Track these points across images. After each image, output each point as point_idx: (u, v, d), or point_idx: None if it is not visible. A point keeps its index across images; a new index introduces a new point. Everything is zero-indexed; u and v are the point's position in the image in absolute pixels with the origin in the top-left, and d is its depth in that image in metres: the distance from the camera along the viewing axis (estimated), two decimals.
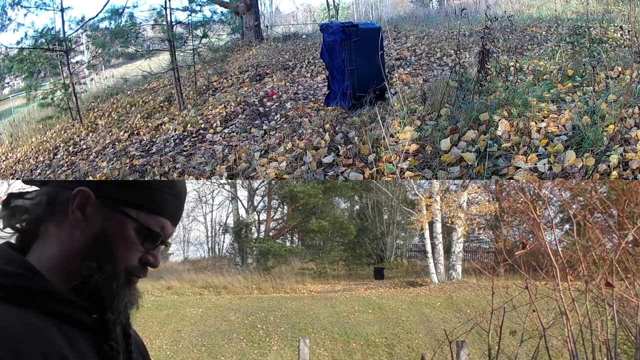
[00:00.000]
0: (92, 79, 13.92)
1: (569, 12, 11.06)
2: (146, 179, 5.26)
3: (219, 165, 5.15)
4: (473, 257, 17.70)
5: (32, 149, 9.08)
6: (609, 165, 3.40)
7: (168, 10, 8.74)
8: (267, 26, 16.60)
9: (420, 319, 10.77)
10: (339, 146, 4.61)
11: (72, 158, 7.49)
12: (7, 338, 0.75)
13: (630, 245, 3.37)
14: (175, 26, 9.01)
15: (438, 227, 14.65)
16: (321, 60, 7.26)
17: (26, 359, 0.75)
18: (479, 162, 3.76)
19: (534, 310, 3.31)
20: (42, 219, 0.91)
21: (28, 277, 0.84)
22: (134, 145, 7.07)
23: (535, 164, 3.58)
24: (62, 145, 8.50)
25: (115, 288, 0.90)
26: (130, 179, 5.48)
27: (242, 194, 20.01)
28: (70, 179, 6.25)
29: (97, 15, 9.59)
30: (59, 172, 6.97)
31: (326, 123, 5.35)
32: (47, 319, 0.81)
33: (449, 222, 14.83)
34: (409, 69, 7.56)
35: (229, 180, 18.31)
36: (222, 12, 13.52)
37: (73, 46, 10.12)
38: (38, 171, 7.53)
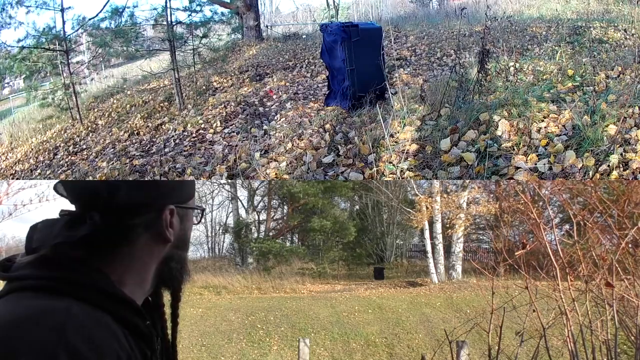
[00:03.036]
0: (92, 79, 13.93)
1: (569, 12, 11.06)
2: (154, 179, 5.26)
3: (219, 165, 5.15)
4: (473, 257, 17.65)
5: (32, 149, 9.08)
6: (609, 166, 3.40)
7: (168, 10, 8.74)
8: (267, 26, 16.60)
9: (420, 319, 10.76)
10: (339, 146, 4.62)
11: (72, 158, 7.49)
12: (90, 338, 0.77)
13: (630, 245, 3.37)
14: (175, 26, 9.01)
15: (438, 227, 14.64)
16: (321, 60, 7.26)
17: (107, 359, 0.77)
18: (479, 162, 3.76)
19: (534, 310, 3.31)
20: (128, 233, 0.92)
21: (100, 280, 0.86)
22: (134, 145, 7.07)
23: (535, 164, 3.58)
24: (62, 145, 8.50)
25: (185, 274, 1.01)
26: (130, 179, 5.48)
27: (242, 194, 20.02)
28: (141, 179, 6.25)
29: (97, 14, 9.59)
30: (59, 172, 6.97)
31: (326, 123, 5.35)
32: (112, 319, 0.83)
33: (449, 222, 14.83)
34: (409, 69, 7.56)
35: (229, 180, 18.31)
36: (222, 12, 13.51)
37: (73, 46, 10.12)
38: (38, 171, 7.53)
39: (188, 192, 1.02)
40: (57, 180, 0.98)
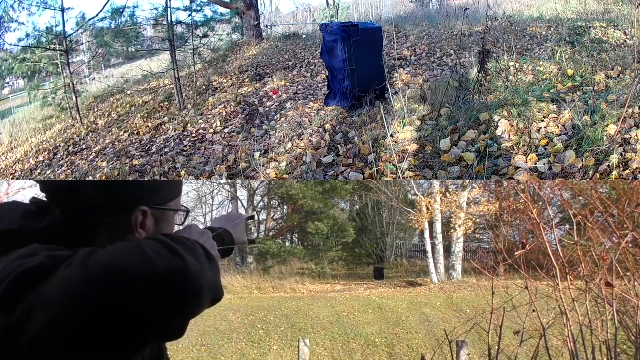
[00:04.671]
0: (92, 79, 13.93)
1: (569, 12, 11.06)
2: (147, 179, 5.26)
3: (219, 165, 5.15)
4: (473, 257, 17.65)
5: (32, 149, 9.08)
6: (609, 166, 3.40)
7: (169, 10, 8.75)
8: (267, 26, 16.59)
9: (420, 319, 10.76)
10: (339, 146, 4.62)
11: (72, 158, 7.49)
12: None
13: (630, 245, 3.37)
14: (176, 26, 9.01)
15: (438, 227, 14.63)
16: (321, 60, 7.26)
17: None
18: (479, 162, 3.76)
19: (534, 310, 3.31)
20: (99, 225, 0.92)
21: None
22: (134, 145, 7.07)
23: (535, 164, 3.58)
24: (62, 145, 8.49)
25: None
26: (131, 178, 5.48)
27: (242, 194, 20.04)
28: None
29: (97, 15, 9.60)
30: (59, 172, 6.97)
31: (326, 123, 5.35)
32: None
33: (449, 222, 14.82)
34: (409, 69, 7.55)
35: (229, 180, 18.31)
36: (222, 12, 13.51)
37: (74, 46, 10.12)
38: (38, 171, 7.53)
39: (170, 193, 0.99)
40: None
